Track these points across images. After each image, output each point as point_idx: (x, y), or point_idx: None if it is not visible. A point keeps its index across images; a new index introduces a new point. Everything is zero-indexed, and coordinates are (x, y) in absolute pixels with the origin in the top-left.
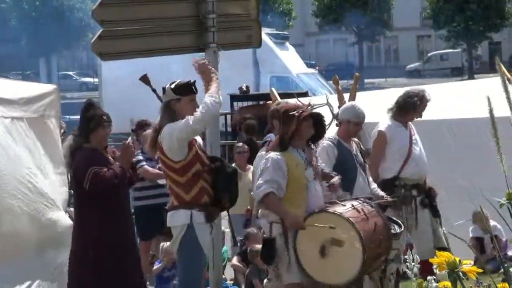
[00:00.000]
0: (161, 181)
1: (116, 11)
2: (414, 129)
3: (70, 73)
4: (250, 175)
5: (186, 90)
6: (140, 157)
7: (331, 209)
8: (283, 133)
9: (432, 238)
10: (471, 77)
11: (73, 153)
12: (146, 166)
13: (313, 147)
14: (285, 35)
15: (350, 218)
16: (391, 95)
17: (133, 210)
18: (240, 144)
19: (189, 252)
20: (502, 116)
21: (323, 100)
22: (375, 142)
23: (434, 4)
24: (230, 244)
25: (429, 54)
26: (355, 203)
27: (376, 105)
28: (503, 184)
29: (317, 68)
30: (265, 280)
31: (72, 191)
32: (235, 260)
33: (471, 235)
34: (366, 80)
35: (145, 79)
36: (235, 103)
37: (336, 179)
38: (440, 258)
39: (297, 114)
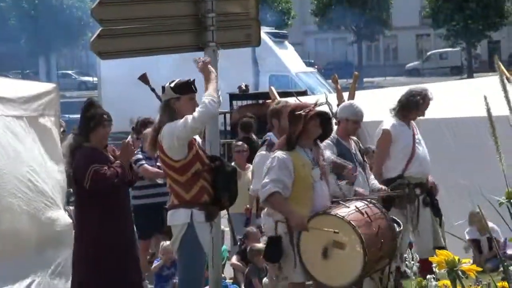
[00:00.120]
0: (160, 180)
1: (115, 10)
2: (417, 128)
3: (69, 72)
4: (249, 174)
5: (185, 89)
6: (140, 156)
7: (334, 211)
8: (290, 133)
9: (432, 238)
10: (470, 76)
11: (73, 152)
12: (145, 165)
13: (321, 145)
14: (284, 34)
15: (352, 221)
16: (391, 94)
17: (132, 209)
18: (240, 143)
19: (189, 251)
20: (502, 115)
21: (322, 99)
22: (380, 140)
23: (433, 3)
24: (231, 243)
25: (428, 53)
26: (359, 204)
27: (376, 104)
28: (503, 183)
29: (316, 67)
30: (264, 279)
31: (72, 190)
32: (234, 259)
33: (467, 237)
34: (365, 79)
35: (144, 78)
36: (234, 102)
37: (350, 167)
38: (439, 257)
39: (303, 113)
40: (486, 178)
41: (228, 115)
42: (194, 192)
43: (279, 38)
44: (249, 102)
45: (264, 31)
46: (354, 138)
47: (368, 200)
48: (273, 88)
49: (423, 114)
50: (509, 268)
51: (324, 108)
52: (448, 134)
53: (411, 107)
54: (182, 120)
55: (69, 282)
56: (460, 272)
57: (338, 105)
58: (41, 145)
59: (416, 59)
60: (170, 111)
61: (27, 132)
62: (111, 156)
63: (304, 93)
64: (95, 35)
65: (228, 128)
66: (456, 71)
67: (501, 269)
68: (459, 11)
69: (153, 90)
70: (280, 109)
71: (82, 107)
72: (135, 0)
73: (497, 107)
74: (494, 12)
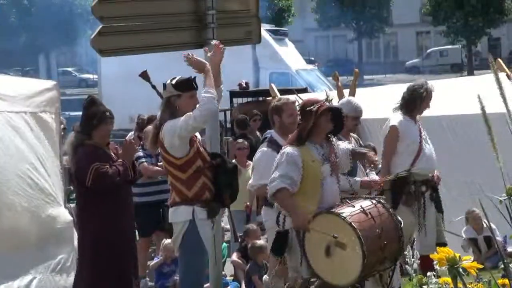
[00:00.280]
0: (160, 177)
1: (115, 8)
2: (422, 125)
3: (70, 69)
4: (250, 171)
5: (186, 86)
6: (140, 154)
7: (338, 211)
8: (301, 128)
9: (435, 235)
10: (470, 73)
11: (75, 150)
12: (144, 163)
13: (334, 140)
14: (285, 31)
15: (354, 223)
16: (391, 91)
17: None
18: (241, 140)
19: (191, 248)
20: (502, 112)
21: (323, 96)
22: (387, 137)
23: (433, 0)
24: (231, 240)
25: (429, 50)
26: (366, 204)
27: (376, 101)
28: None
29: (317, 64)
30: (265, 276)
31: (72, 187)
32: (234, 256)
33: (464, 236)
34: (365, 77)
35: (144, 75)
36: (234, 99)
37: (370, 152)
38: (440, 254)
39: (314, 109)
40: (486, 175)
41: (228, 113)
42: (195, 190)
43: (279, 35)
44: (250, 99)
45: (265, 28)
46: (354, 135)
47: (377, 199)
48: (273, 86)
49: (428, 106)
50: (510, 265)
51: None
52: (448, 131)
53: (416, 101)
54: (183, 118)
55: (70, 278)
56: (461, 269)
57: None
58: (42, 142)
59: (416, 57)
60: (171, 108)
61: (28, 129)
62: (113, 154)
63: (304, 91)
64: (95, 33)
65: (229, 125)
66: (456, 69)
67: (502, 266)
68: (459, 8)
69: (154, 87)
70: (281, 106)
71: (84, 104)
72: None
73: (498, 104)
74: (494, 9)
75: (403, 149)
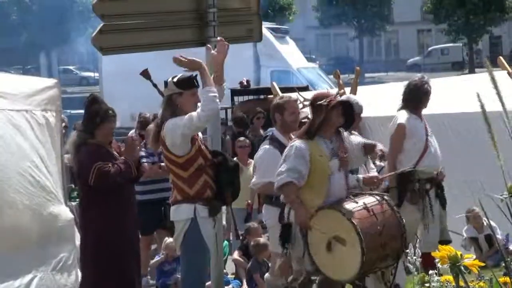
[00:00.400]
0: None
1: (116, 5)
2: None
3: (71, 67)
4: (251, 169)
5: (188, 84)
6: (142, 153)
7: (340, 207)
8: (311, 122)
9: (439, 232)
10: (471, 71)
11: (78, 149)
12: (145, 164)
13: (346, 134)
14: (286, 29)
15: (354, 219)
16: (392, 89)
17: None
18: (242, 138)
19: (192, 246)
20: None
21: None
22: (394, 135)
23: None
24: (233, 238)
25: (430, 48)
26: (369, 200)
27: (377, 99)
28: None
29: (318, 62)
30: (266, 274)
31: (74, 186)
32: (236, 254)
33: (465, 235)
34: (366, 75)
35: (145, 74)
36: (235, 97)
37: (379, 146)
38: (442, 252)
39: (325, 103)
40: (487, 174)
41: (229, 111)
42: (197, 188)
43: (280, 33)
44: (251, 97)
45: (266, 26)
46: (355, 132)
47: (381, 196)
48: (274, 84)
49: (429, 100)
50: (511, 263)
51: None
52: (449, 129)
53: (421, 96)
54: (187, 117)
55: (71, 277)
56: (462, 268)
57: None
58: (43, 141)
59: (417, 55)
60: (172, 106)
61: (29, 128)
62: (115, 153)
63: (305, 89)
64: (96, 31)
65: (230, 123)
66: (457, 67)
67: (503, 264)
68: (460, 6)
69: (155, 85)
70: (283, 104)
71: (86, 103)
72: None
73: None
74: (496, 7)
75: (409, 147)
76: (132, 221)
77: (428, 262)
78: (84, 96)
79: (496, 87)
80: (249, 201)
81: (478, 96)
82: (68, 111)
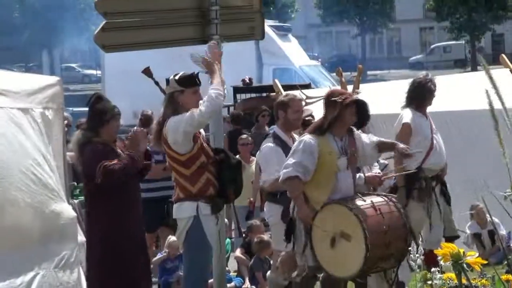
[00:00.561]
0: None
1: (119, 3)
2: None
3: (73, 65)
4: (253, 167)
5: (189, 82)
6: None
7: (347, 203)
8: (324, 118)
9: (442, 230)
10: (474, 69)
11: (82, 148)
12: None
13: (357, 133)
14: (288, 27)
15: (361, 215)
16: (394, 87)
17: None
18: (244, 136)
19: (195, 244)
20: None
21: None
22: (400, 134)
23: None
24: (235, 235)
25: (432, 46)
26: (377, 200)
27: (380, 97)
28: (508, 176)
29: (320, 60)
30: (268, 272)
31: (76, 183)
32: (238, 252)
33: (468, 231)
34: (368, 72)
35: (147, 72)
36: (238, 95)
37: (400, 144)
38: (444, 250)
39: (340, 100)
40: (491, 171)
41: (232, 108)
42: (199, 185)
43: (282, 31)
44: (253, 95)
45: (268, 24)
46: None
47: (389, 197)
48: (277, 81)
49: (433, 98)
50: None
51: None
52: (452, 127)
53: (424, 95)
54: (188, 114)
55: (74, 274)
56: (465, 265)
57: None
58: (45, 138)
59: (420, 52)
60: (174, 104)
61: (31, 125)
62: (120, 151)
63: (308, 86)
64: (99, 28)
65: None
66: (459, 64)
67: (506, 262)
68: (462, 3)
69: (157, 83)
70: (288, 102)
71: (90, 101)
72: None
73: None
74: (498, 5)
75: (415, 145)
76: (137, 219)
77: (430, 260)
78: (86, 94)
79: (494, 86)
80: (251, 199)
81: (487, 92)
82: (70, 108)
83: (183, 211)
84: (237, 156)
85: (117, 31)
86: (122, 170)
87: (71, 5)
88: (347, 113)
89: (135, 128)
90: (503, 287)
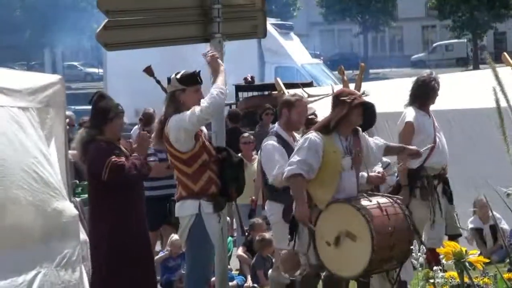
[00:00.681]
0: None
1: (121, 1)
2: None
3: (75, 63)
4: (255, 165)
5: (191, 80)
6: (149, 151)
7: (354, 202)
8: (330, 117)
9: (444, 228)
10: (476, 67)
11: (86, 146)
12: (150, 162)
13: (363, 134)
14: (290, 25)
15: (368, 216)
16: (397, 85)
17: None
18: (247, 134)
19: (197, 242)
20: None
21: (329, 90)
22: (403, 133)
23: None
24: (238, 233)
25: (434, 44)
26: (383, 200)
27: (382, 95)
28: (509, 174)
29: (322, 58)
30: (270, 271)
31: (78, 181)
32: (240, 251)
33: (470, 226)
34: (371, 71)
35: (148, 70)
36: (240, 93)
37: (411, 148)
38: (446, 248)
39: (349, 100)
40: (493, 169)
41: (234, 107)
42: (202, 183)
43: (284, 29)
44: (255, 93)
45: (270, 22)
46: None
47: (394, 199)
48: (279, 80)
49: (436, 96)
50: None
51: (326, 99)
52: (454, 126)
53: (428, 93)
54: (189, 112)
55: (76, 273)
56: (467, 264)
57: None
58: (47, 137)
59: (422, 51)
60: (175, 103)
61: (33, 124)
62: (124, 149)
63: (310, 84)
64: (101, 26)
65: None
66: (462, 63)
67: (508, 260)
68: (465, 2)
69: (158, 82)
70: (294, 102)
71: (93, 100)
72: None
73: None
74: (500, 3)
75: (418, 144)
76: (142, 217)
77: (432, 258)
78: (88, 92)
79: (499, 83)
80: (253, 197)
81: (494, 90)
82: (73, 107)
83: (185, 209)
84: (239, 154)
85: (119, 29)
86: (132, 169)
87: (73, 3)
88: (354, 114)
89: (136, 131)
90: (505, 286)
